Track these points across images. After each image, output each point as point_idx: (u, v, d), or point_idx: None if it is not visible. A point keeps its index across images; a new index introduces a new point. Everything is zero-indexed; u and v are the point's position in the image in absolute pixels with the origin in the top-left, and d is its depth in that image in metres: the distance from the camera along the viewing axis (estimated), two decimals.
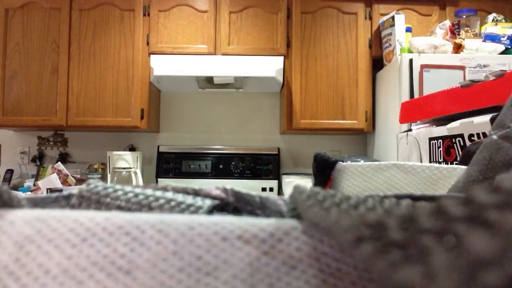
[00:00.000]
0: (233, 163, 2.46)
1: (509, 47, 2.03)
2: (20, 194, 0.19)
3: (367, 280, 0.13)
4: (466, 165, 0.33)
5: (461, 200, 0.09)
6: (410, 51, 1.99)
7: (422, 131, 1.05)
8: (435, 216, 0.09)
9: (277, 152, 2.51)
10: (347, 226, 0.12)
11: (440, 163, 0.94)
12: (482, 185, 0.30)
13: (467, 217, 0.09)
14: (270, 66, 2.19)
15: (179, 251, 0.13)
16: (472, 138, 0.82)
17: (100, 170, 2.48)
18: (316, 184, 0.46)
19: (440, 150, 0.94)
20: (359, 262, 0.13)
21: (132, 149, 2.56)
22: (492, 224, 0.08)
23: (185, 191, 0.18)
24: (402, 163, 0.44)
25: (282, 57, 2.25)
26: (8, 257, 0.13)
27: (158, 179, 2.44)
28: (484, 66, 1.89)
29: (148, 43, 2.32)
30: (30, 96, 2.28)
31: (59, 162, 2.33)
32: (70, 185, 2.20)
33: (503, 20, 2.18)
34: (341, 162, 0.44)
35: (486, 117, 0.78)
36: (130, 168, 2.27)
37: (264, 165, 2.47)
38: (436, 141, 0.97)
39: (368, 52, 2.34)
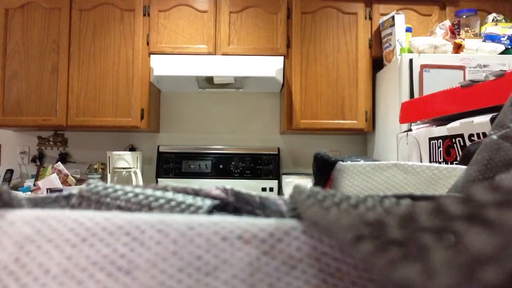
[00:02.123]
0: (233, 163, 2.46)
1: (509, 47, 2.03)
2: (20, 194, 0.19)
3: (367, 280, 0.13)
4: (466, 165, 0.33)
5: (461, 199, 0.09)
6: (410, 51, 1.99)
7: (422, 131, 1.05)
8: (434, 214, 0.09)
9: (277, 152, 2.51)
10: (346, 225, 0.12)
11: (440, 163, 0.94)
12: (481, 184, 0.30)
13: (467, 216, 0.09)
14: (270, 66, 2.19)
15: (179, 251, 0.13)
16: (472, 138, 0.82)
17: (100, 170, 2.48)
18: (316, 184, 0.46)
19: (440, 150, 0.94)
20: (358, 260, 0.13)
21: (132, 149, 2.56)
22: (492, 223, 0.08)
23: (185, 191, 0.18)
24: (402, 163, 0.44)
25: (282, 57, 2.25)
26: (8, 257, 0.13)
27: (158, 179, 2.44)
28: (484, 66, 1.89)
29: (148, 43, 2.32)
30: (30, 96, 2.28)
31: (59, 162, 2.33)
32: (70, 185, 2.20)
33: (503, 20, 2.18)
34: (341, 162, 0.44)
35: (486, 117, 0.78)
36: (130, 168, 2.27)
37: (264, 165, 2.47)
38: (436, 141, 0.97)
39: (368, 52, 2.34)
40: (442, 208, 0.09)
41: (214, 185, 0.19)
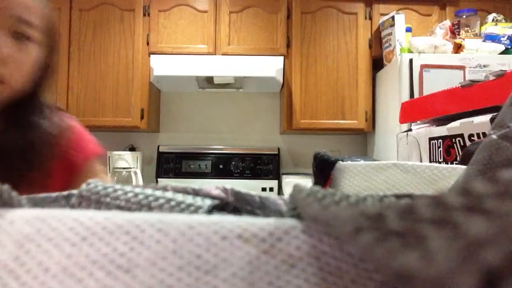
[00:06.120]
0: (233, 163, 2.46)
1: (509, 47, 2.03)
2: None
3: (367, 278, 0.13)
4: (466, 165, 0.33)
5: (460, 191, 0.09)
6: (410, 51, 1.99)
7: (422, 131, 1.05)
8: (433, 206, 0.10)
9: (277, 152, 2.51)
10: (346, 218, 0.12)
11: (440, 163, 0.94)
12: (480, 177, 0.30)
13: (466, 207, 0.09)
14: (270, 66, 2.19)
15: (179, 250, 0.13)
16: (472, 138, 0.82)
17: None
18: (316, 183, 0.46)
19: (440, 150, 0.94)
20: (357, 251, 0.13)
21: (132, 149, 2.56)
22: (490, 212, 0.08)
23: (185, 191, 0.18)
24: (402, 162, 0.44)
25: (282, 57, 2.25)
26: (8, 255, 0.13)
27: (158, 179, 2.43)
28: (484, 66, 1.89)
29: (148, 43, 2.32)
30: None
31: None
32: None
33: (503, 20, 2.18)
34: (341, 162, 0.44)
35: (486, 117, 0.78)
36: (130, 168, 2.27)
37: (264, 165, 2.47)
38: (436, 141, 0.97)
39: (368, 52, 2.34)
40: (441, 200, 0.10)
41: (214, 185, 0.19)
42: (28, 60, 0.59)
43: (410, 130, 1.14)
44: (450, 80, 1.71)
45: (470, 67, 1.89)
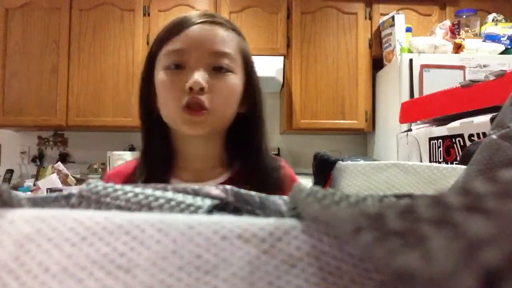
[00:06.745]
0: None
1: (509, 47, 2.03)
2: (20, 194, 0.19)
3: (366, 278, 0.13)
4: (466, 165, 0.33)
5: (460, 191, 0.09)
6: (410, 51, 1.99)
7: (422, 131, 1.05)
8: (433, 206, 0.10)
9: (277, 152, 2.50)
10: (346, 217, 0.12)
11: (440, 163, 0.94)
12: (480, 177, 0.30)
13: (466, 206, 0.09)
14: (270, 66, 2.19)
15: (179, 250, 0.13)
16: (472, 138, 0.82)
17: (100, 170, 2.47)
18: (316, 183, 0.46)
19: (440, 150, 0.94)
20: (357, 251, 0.13)
21: (132, 149, 2.56)
22: (490, 211, 0.08)
23: (185, 191, 0.18)
24: (402, 162, 0.44)
25: (282, 57, 2.25)
26: (8, 255, 0.13)
27: None
28: (484, 66, 1.89)
29: (148, 43, 2.31)
30: (30, 96, 2.28)
31: (59, 162, 2.33)
32: (70, 185, 2.20)
33: (503, 20, 2.19)
34: (341, 162, 0.44)
35: (486, 117, 0.78)
36: None
37: None
38: (436, 141, 0.97)
39: (368, 52, 2.34)
40: (441, 200, 0.10)
41: (214, 185, 0.19)
42: (228, 88, 0.62)
43: (410, 130, 1.14)
44: (450, 80, 1.71)
45: (470, 67, 1.89)
